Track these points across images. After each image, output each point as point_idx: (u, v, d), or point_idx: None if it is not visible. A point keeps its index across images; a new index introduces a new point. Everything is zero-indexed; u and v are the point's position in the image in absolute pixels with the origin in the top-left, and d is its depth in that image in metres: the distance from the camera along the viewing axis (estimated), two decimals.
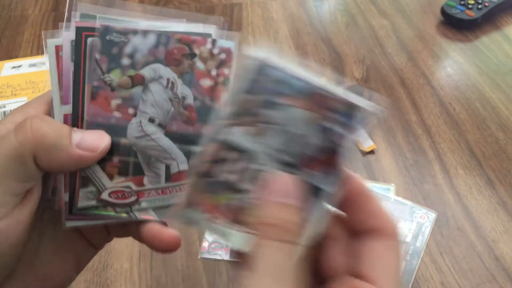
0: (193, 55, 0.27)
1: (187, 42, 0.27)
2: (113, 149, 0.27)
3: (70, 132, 0.25)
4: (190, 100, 0.27)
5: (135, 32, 0.27)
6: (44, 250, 0.28)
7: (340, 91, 0.23)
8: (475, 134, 0.61)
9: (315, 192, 0.23)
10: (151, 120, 0.27)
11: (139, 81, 0.27)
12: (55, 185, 0.27)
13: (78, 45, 0.26)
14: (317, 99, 0.23)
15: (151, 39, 0.27)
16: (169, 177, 0.27)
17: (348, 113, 0.23)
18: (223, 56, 0.27)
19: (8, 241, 0.24)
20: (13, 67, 0.67)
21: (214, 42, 0.27)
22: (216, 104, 0.27)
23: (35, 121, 0.24)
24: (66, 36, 0.26)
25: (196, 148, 0.27)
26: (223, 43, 0.27)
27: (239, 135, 0.23)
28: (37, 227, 0.27)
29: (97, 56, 0.26)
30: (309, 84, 0.23)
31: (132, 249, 0.49)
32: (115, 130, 0.27)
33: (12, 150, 0.23)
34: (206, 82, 0.27)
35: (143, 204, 0.27)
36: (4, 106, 0.61)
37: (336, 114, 0.23)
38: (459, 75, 0.70)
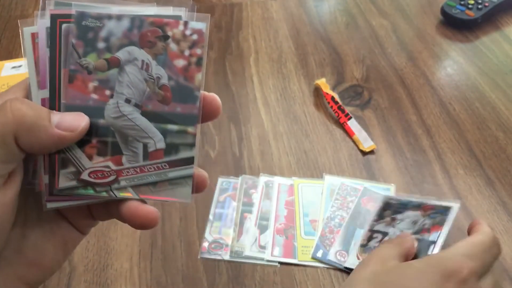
0: (166, 37, 0.28)
1: (160, 24, 0.28)
2: (92, 130, 0.28)
3: (49, 113, 0.26)
4: (164, 80, 0.28)
5: (109, 17, 0.28)
6: (30, 235, 0.29)
7: None
8: (475, 134, 0.61)
9: None
10: (128, 101, 0.28)
11: (114, 64, 0.28)
12: (35, 168, 0.28)
13: (53, 32, 0.27)
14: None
15: (125, 23, 0.28)
16: (146, 155, 0.28)
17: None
18: (195, 37, 0.28)
19: None
20: (13, 67, 0.67)
21: (186, 24, 0.28)
22: (189, 83, 0.29)
23: (15, 103, 0.25)
24: (41, 24, 0.27)
25: (172, 126, 0.28)
26: (195, 24, 0.28)
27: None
28: (21, 212, 0.28)
29: (74, 41, 0.27)
30: None
31: (132, 249, 0.49)
32: (93, 112, 0.28)
33: None
34: (180, 63, 0.28)
35: (122, 183, 0.28)
36: None
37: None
38: (459, 75, 0.70)
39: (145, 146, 0.28)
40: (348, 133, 0.61)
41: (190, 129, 0.28)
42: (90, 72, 0.28)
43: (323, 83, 0.66)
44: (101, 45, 0.28)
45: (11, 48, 0.72)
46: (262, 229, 0.51)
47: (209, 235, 0.50)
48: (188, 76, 0.28)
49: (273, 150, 0.59)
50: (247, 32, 0.77)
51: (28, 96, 0.28)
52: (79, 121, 0.27)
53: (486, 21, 0.78)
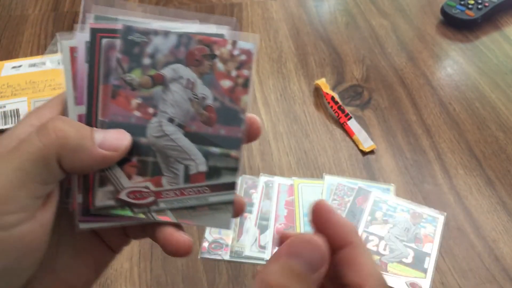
0: (213, 56, 0.27)
1: (208, 43, 0.27)
2: (132, 148, 0.27)
3: (92, 132, 0.25)
4: (209, 101, 0.27)
5: (156, 32, 0.27)
6: (63, 254, 0.28)
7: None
8: (475, 134, 0.61)
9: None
10: (171, 120, 0.27)
11: (159, 81, 0.27)
12: (68, 186, 0.27)
13: (93, 46, 0.27)
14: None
15: (172, 40, 0.27)
16: (187, 178, 0.27)
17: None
18: (243, 57, 0.27)
19: (32, 245, 0.24)
20: (13, 67, 0.67)
21: (234, 43, 0.27)
22: (235, 105, 0.27)
23: (57, 123, 0.24)
24: (80, 38, 0.27)
25: (215, 149, 0.27)
26: (243, 44, 0.27)
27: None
28: (55, 231, 0.27)
29: (119, 55, 0.27)
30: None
31: (132, 249, 0.49)
32: (135, 130, 0.27)
33: (36, 153, 0.23)
34: (226, 83, 0.27)
35: (161, 205, 0.27)
36: (4, 106, 0.61)
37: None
38: (459, 75, 0.70)
39: (186, 168, 0.27)
40: (348, 133, 0.61)
41: (233, 153, 0.27)
42: (134, 88, 0.27)
43: (323, 83, 0.66)
44: (146, 61, 0.27)
45: (11, 48, 0.72)
46: (262, 229, 0.51)
47: (209, 235, 0.50)
48: (234, 97, 0.27)
49: (273, 150, 0.59)
50: (247, 32, 0.77)
51: (64, 111, 0.27)
52: (122, 139, 0.26)
53: (486, 21, 0.79)
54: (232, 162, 0.27)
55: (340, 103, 0.63)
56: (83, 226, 0.27)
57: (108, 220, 0.27)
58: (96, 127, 0.27)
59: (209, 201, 0.28)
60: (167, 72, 0.27)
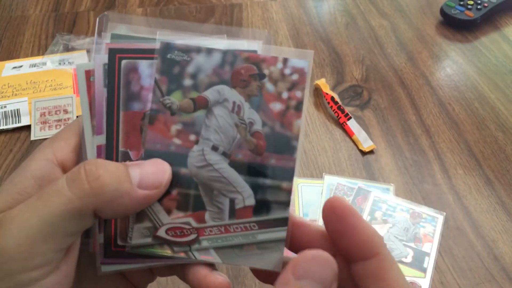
0: (262, 76, 0.25)
1: (256, 61, 0.24)
2: (172, 180, 0.24)
3: (128, 172, 0.22)
4: (258, 126, 0.25)
5: (198, 50, 0.24)
6: None
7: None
8: (474, 134, 0.61)
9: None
10: (215, 148, 0.24)
11: (202, 104, 0.24)
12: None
13: (112, 69, 0.24)
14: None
15: (216, 58, 0.24)
16: (233, 213, 0.25)
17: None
18: (295, 77, 0.25)
19: None
20: (14, 68, 0.67)
21: (285, 61, 0.25)
22: (287, 131, 0.24)
23: (90, 169, 0.22)
24: (98, 60, 0.24)
25: (264, 181, 0.24)
26: (296, 62, 0.25)
27: None
28: (75, 272, 0.25)
29: (157, 76, 0.24)
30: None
31: None
32: (175, 159, 0.24)
33: (68, 206, 0.21)
34: (276, 106, 0.25)
35: (204, 243, 0.24)
36: (5, 106, 0.61)
37: None
38: (458, 76, 0.70)
39: (232, 201, 0.25)
40: (348, 133, 0.61)
41: (285, 185, 0.24)
42: (173, 113, 0.24)
43: (323, 83, 0.66)
44: (187, 82, 0.24)
45: (12, 48, 0.72)
46: None
47: None
48: (285, 122, 0.24)
49: None
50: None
51: (81, 142, 0.25)
52: (162, 173, 0.23)
53: (485, 21, 0.79)
54: (283, 195, 0.24)
55: (340, 103, 0.63)
56: (105, 269, 0.25)
57: (135, 262, 0.25)
58: (118, 160, 0.24)
59: (258, 239, 0.24)
60: (210, 94, 0.24)
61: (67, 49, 0.70)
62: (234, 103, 0.24)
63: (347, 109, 0.63)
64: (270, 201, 0.24)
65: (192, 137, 0.24)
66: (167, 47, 0.24)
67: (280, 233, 0.24)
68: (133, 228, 0.24)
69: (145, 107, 0.25)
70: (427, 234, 0.50)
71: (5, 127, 0.59)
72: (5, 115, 0.60)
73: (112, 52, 0.24)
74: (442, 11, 0.79)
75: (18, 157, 0.56)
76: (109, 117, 0.24)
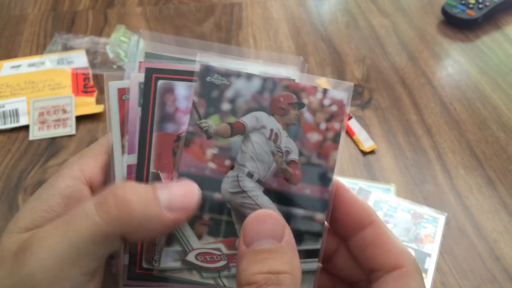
0: (301, 105, 0.25)
1: (295, 89, 0.25)
2: (204, 204, 0.24)
3: (156, 194, 0.22)
4: (294, 156, 0.24)
5: (238, 75, 0.24)
6: None
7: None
8: (476, 134, 0.61)
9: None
10: (250, 175, 0.24)
11: (239, 130, 0.24)
12: None
13: (148, 88, 0.24)
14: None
15: (256, 84, 0.24)
16: None
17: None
18: (334, 108, 0.25)
19: None
20: (12, 67, 0.67)
21: (325, 92, 0.25)
22: (323, 162, 0.24)
23: (118, 193, 0.21)
24: (134, 78, 0.24)
25: (298, 211, 0.24)
26: (335, 94, 0.25)
27: None
28: None
29: (195, 98, 0.24)
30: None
31: None
32: (209, 183, 0.24)
33: (96, 230, 0.21)
34: (314, 137, 0.24)
35: (233, 271, 0.24)
36: (4, 106, 0.61)
37: None
38: (459, 75, 0.70)
39: None
40: (349, 133, 0.60)
41: (318, 216, 0.24)
42: (209, 137, 0.24)
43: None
44: (225, 106, 0.24)
45: (10, 47, 0.71)
46: None
47: None
48: (322, 153, 0.24)
49: None
50: (247, 32, 0.77)
51: (110, 160, 0.24)
52: (191, 195, 0.23)
53: (487, 20, 0.78)
54: (316, 226, 0.24)
55: None
56: None
57: (157, 285, 0.24)
58: (148, 181, 0.24)
59: None
60: (248, 120, 0.24)
61: (66, 48, 0.70)
62: (271, 130, 0.24)
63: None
64: (302, 232, 0.24)
65: (227, 162, 0.24)
66: (207, 70, 0.24)
67: (311, 264, 0.24)
68: (161, 251, 0.24)
69: (179, 129, 0.25)
70: (428, 234, 0.50)
71: (3, 127, 0.58)
72: (4, 115, 0.60)
73: (148, 72, 0.24)
74: (444, 10, 0.78)
75: (16, 157, 0.56)
76: (142, 137, 0.24)
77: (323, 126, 0.25)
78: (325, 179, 0.24)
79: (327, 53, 0.73)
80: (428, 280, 0.46)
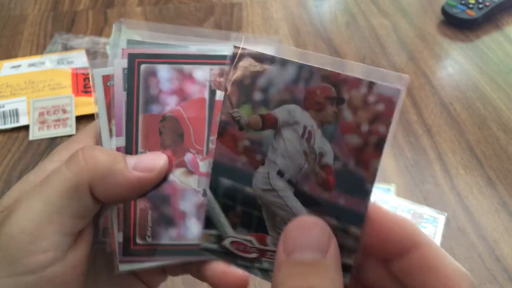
0: (340, 100, 0.21)
1: (336, 81, 0.21)
2: (237, 195, 0.23)
3: (124, 156, 0.24)
4: (329, 160, 0.21)
5: (272, 60, 0.22)
6: None
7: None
8: (476, 134, 0.61)
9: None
10: (280, 174, 0.22)
11: (271, 123, 0.22)
12: (105, 225, 0.25)
13: (131, 73, 0.25)
14: None
15: (290, 72, 0.21)
16: None
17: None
18: (381, 107, 0.20)
19: None
20: (12, 67, 0.67)
21: (371, 86, 0.20)
22: (361, 170, 0.21)
23: (87, 150, 0.23)
24: (117, 64, 0.25)
25: (330, 220, 0.21)
26: (384, 89, 0.20)
27: None
28: (90, 273, 0.25)
29: (228, 86, 0.22)
30: None
31: None
32: (240, 176, 0.23)
33: (66, 183, 0.22)
34: (353, 140, 0.21)
35: (265, 265, 0.23)
36: (4, 106, 0.61)
37: None
38: (459, 75, 0.70)
39: None
40: None
41: (353, 229, 0.21)
42: (241, 128, 0.22)
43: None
44: (257, 96, 0.22)
45: (10, 47, 0.71)
46: None
47: None
48: (361, 160, 0.21)
49: None
50: (247, 32, 0.77)
51: (98, 144, 0.25)
52: (157, 160, 0.24)
53: (487, 20, 0.78)
54: (350, 240, 0.21)
55: None
56: (123, 268, 0.25)
57: (153, 260, 0.25)
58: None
59: None
60: (280, 113, 0.22)
61: (66, 48, 0.70)
62: (305, 127, 0.22)
63: None
64: None
65: (259, 157, 0.23)
66: (241, 54, 0.22)
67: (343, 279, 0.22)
68: (201, 231, 0.24)
69: (163, 110, 0.25)
70: (428, 234, 0.50)
71: (3, 127, 0.58)
72: (4, 115, 0.60)
73: (131, 57, 0.25)
74: (444, 10, 0.78)
75: (16, 157, 0.56)
76: (129, 120, 0.25)
77: (365, 128, 0.21)
78: (362, 190, 0.21)
79: (327, 53, 0.73)
80: None
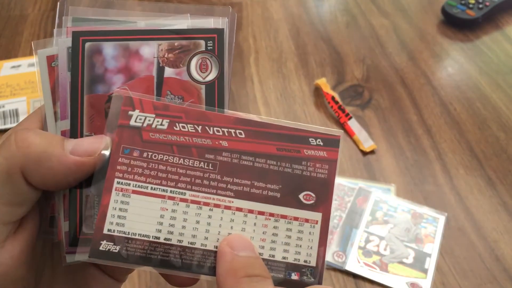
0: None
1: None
2: None
3: (62, 140, 0.22)
4: None
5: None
6: None
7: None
8: (476, 134, 0.61)
9: None
10: None
11: None
12: (53, 214, 0.24)
13: (76, 52, 0.24)
14: None
15: None
16: None
17: None
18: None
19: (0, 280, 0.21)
20: (12, 67, 0.67)
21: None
22: None
23: (20, 133, 0.21)
24: (61, 43, 0.23)
25: None
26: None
27: None
28: (48, 264, 0.24)
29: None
30: None
31: None
32: None
33: None
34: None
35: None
36: (3, 106, 0.61)
37: None
38: (459, 75, 0.70)
39: None
40: (349, 133, 0.60)
41: None
42: None
43: (323, 83, 0.66)
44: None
45: (10, 47, 0.71)
46: None
47: None
48: None
49: None
50: (247, 32, 0.77)
51: (43, 128, 0.24)
52: (98, 143, 0.22)
53: (487, 20, 0.78)
54: None
55: (341, 103, 0.63)
56: (70, 259, 0.23)
57: None
58: None
59: None
60: None
61: None
62: None
63: (348, 109, 0.63)
64: None
65: None
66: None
67: None
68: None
69: (110, 90, 0.24)
70: (428, 234, 0.50)
71: (3, 127, 0.58)
72: (4, 115, 0.60)
73: (75, 35, 0.23)
74: (444, 10, 0.78)
75: None
76: (73, 101, 0.23)
77: None
78: None
79: (327, 53, 0.73)
80: (428, 280, 0.46)
